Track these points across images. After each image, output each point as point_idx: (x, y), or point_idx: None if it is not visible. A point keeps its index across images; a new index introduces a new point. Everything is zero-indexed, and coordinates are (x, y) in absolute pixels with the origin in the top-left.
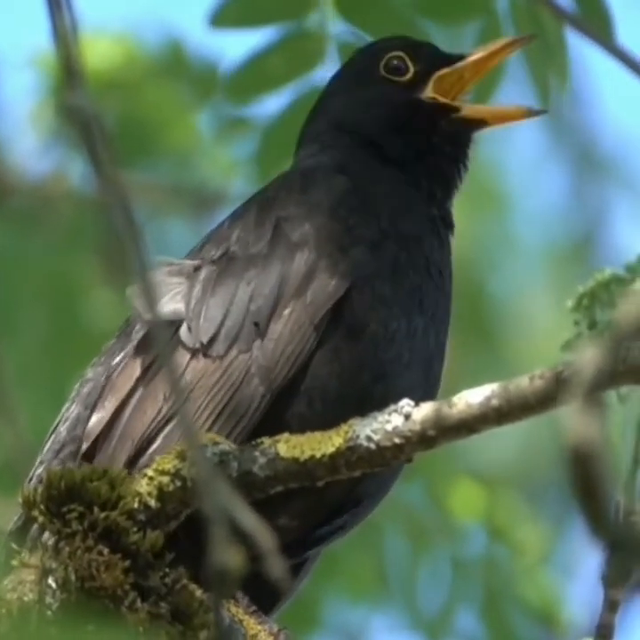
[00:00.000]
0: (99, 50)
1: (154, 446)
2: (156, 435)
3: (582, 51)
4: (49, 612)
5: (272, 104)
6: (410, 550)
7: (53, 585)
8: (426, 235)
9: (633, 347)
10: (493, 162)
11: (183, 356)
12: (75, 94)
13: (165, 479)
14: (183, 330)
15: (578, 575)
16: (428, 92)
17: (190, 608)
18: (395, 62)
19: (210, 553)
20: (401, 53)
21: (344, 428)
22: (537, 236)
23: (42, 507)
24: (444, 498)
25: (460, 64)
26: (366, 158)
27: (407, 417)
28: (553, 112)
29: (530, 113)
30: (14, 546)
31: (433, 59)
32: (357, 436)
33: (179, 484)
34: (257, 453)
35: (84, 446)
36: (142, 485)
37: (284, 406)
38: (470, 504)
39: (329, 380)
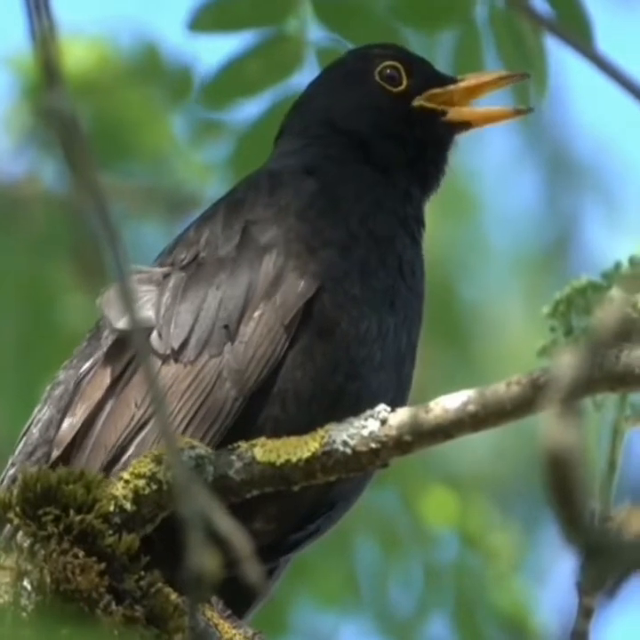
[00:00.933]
0: (73, 52)
1: (127, 454)
2: (130, 443)
3: (557, 55)
4: (24, 614)
5: (248, 108)
6: (381, 556)
7: (28, 587)
8: (398, 234)
9: (609, 354)
10: (466, 165)
11: (154, 363)
12: (54, 95)
13: (141, 482)
14: (154, 337)
15: (549, 582)
16: (417, 102)
17: (165, 611)
18: (389, 71)
19: (186, 556)
20: (397, 64)
21: (320, 432)
22: (509, 240)
23: (17, 509)
24: (415, 504)
25: (451, 87)
26: (347, 157)
27: (383, 422)
28: (529, 117)
29: (515, 113)
30: None
31: (427, 76)
32: (334, 441)
33: (154, 487)
34: (233, 457)
35: (56, 453)
36: (118, 488)
37: (257, 409)
38: (442, 510)
39: (302, 381)
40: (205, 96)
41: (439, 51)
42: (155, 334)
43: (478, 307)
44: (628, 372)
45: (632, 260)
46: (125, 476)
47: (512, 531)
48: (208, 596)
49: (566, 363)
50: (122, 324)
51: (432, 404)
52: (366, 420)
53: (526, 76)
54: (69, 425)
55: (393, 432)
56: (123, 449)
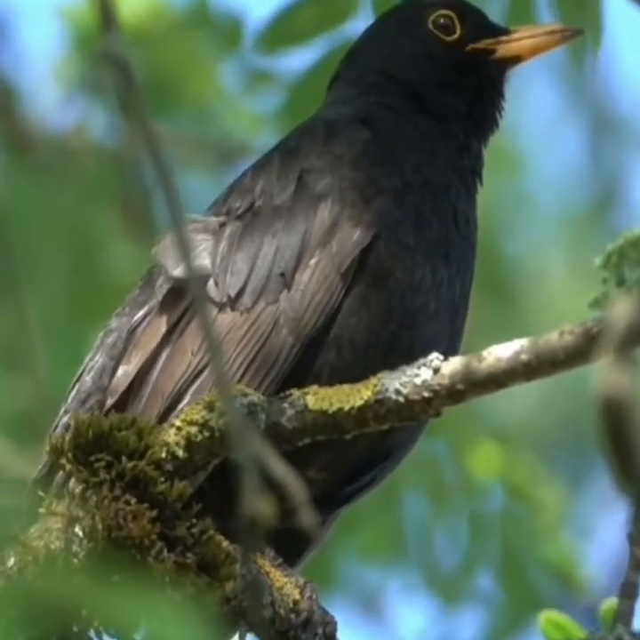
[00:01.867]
0: (124, 2)
1: (184, 402)
2: (186, 390)
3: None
4: (75, 561)
5: (300, 58)
6: (428, 508)
7: (80, 533)
8: (453, 184)
9: None
10: (509, 122)
11: (211, 311)
12: (109, 41)
13: (193, 429)
14: (210, 285)
15: (595, 535)
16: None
17: (217, 559)
18: (443, 21)
19: (240, 503)
20: (451, 13)
21: (373, 380)
22: (553, 196)
23: (69, 455)
24: (463, 456)
25: (504, 38)
26: (402, 106)
27: (436, 371)
28: (574, 71)
29: (563, 38)
30: (40, 493)
31: (480, 26)
32: (386, 390)
33: (207, 434)
34: (285, 405)
35: (110, 400)
36: (170, 435)
37: (313, 356)
38: (490, 463)
39: (357, 328)
40: (258, 44)
41: (493, 1)
42: (211, 283)
43: (523, 261)
44: None
45: None
46: (177, 422)
47: (557, 484)
48: (261, 544)
49: (620, 311)
50: (178, 272)
51: (485, 353)
52: (419, 368)
53: (581, 32)
54: (124, 373)
55: (445, 381)
56: (179, 397)
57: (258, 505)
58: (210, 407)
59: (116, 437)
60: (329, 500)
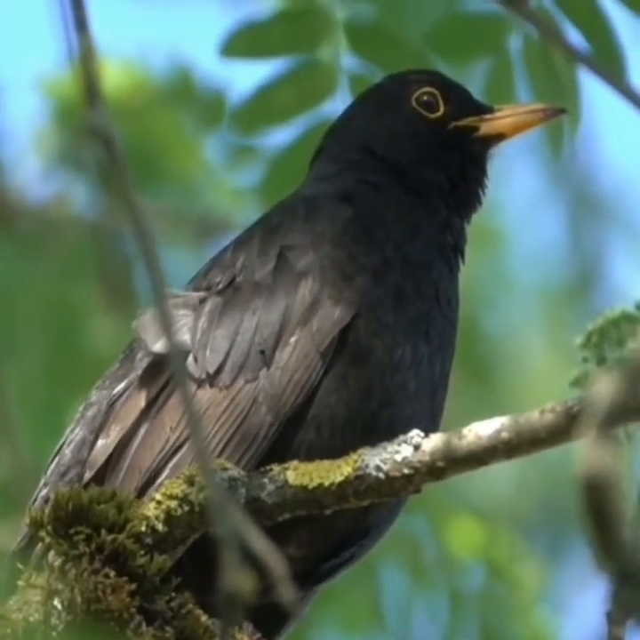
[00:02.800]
0: (106, 75)
1: (162, 477)
2: (164, 466)
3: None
4: (54, 634)
5: (280, 135)
6: (407, 583)
7: (59, 606)
8: (435, 261)
9: None
10: (491, 200)
11: (190, 387)
12: (93, 114)
13: (173, 503)
14: (190, 361)
15: (571, 613)
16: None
17: (196, 633)
18: (426, 98)
19: (220, 577)
20: (434, 90)
21: (353, 457)
22: (534, 274)
23: (49, 528)
24: (442, 532)
25: (487, 116)
26: (384, 183)
27: (417, 447)
28: (556, 152)
29: (546, 116)
30: (19, 565)
31: (463, 103)
32: (366, 466)
33: (187, 508)
34: (265, 480)
35: (89, 474)
36: (150, 509)
37: (291, 434)
38: (469, 539)
39: (336, 406)
40: (237, 122)
41: (471, 80)
42: (191, 359)
43: (502, 340)
44: None
45: None
46: (158, 496)
47: (536, 561)
48: (240, 618)
49: (602, 390)
50: (158, 347)
51: (465, 430)
52: (400, 445)
53: (563, 110)
54: (103, 446)
55: (426, 458)
56: (157, 472)
57: (237, 580)
58: (190, 481)
59: (95, 511)
60: (308, 576)
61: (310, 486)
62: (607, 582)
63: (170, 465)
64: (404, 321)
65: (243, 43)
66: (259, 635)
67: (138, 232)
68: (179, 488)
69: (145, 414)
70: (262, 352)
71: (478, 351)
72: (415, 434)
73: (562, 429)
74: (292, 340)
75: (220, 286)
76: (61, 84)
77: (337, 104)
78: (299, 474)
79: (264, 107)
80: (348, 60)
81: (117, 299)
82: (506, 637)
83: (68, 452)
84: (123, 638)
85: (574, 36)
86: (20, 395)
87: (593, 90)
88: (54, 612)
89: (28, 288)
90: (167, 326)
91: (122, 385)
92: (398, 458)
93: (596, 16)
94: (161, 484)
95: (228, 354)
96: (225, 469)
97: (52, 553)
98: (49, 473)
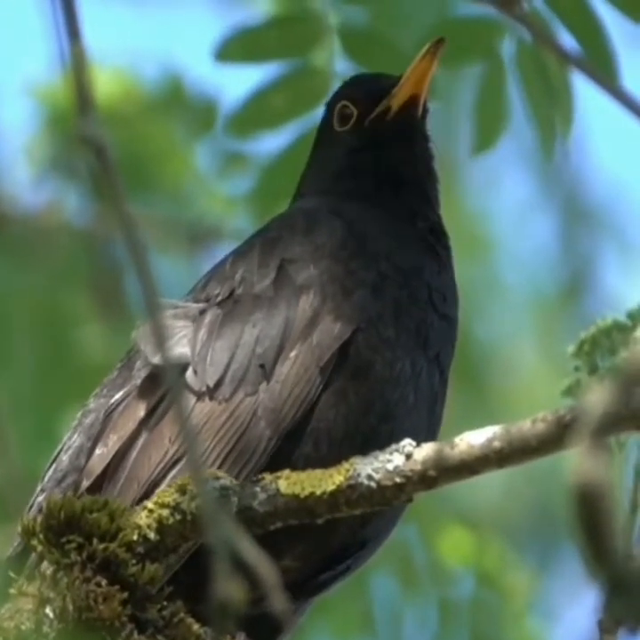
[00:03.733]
0: (98, 82)
1: (160, 489)
2: (163, 478)
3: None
4: None
5: (273, 141)
6: (398, 592)
7: (51, 614)
8: (425, 263)
9: (636, 392)
10: (481, 207)
11: (189, 400)
12: (85, 122)
13: (165, 512)
14: (189, 373)
15: (562, 622)
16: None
17: None
18: (342, 112)
19: (211, 586)
20: (346, 101)
21: (345, 465)
22: (524, 282)
23: (41, 536)
24: (433, 541)
25: (394, 91)
26: (352, 202)
27: (408, 456)
28: (547, 159)
29: (436, 52)
30: (11, 574)
31: (372, 94)
32: (358, 475)
33: (178, 517)
34: (257, 489)
35: (86, 482)
36: (142, 518)
37: (290, 448)
38: (459, 548)
39: (335, 421)
40: (230, 127)
41: (464, 85)
42: (190, 371)
43: (493, 347)
44: None
45: None
46: (149, 505)
47: (526, 569)
48: (232, 628)
49: (594, 399)
50: (158, 359)
51: (457, 439)
52: (391, 454)
53: (442, 39)
54: (100, 455)
55: (418, 467)
56: (156, 484)
57: (229, 589)
58: (182, 490)
59: (87, 519)
60: (303, 588)
61: (302, 495)
62: (598, 591)
63: (168, 477)
64: (404, 334)
65: (237, 48)
66: None
67: (129, 240)
68: (171, 497)
69: (143, 425)
70: (262, 366)
71: (469, 358)
72: (407, 443)
73: (554, 439)
74: (293, 354)
75: (220, 298)
76: (53, 92)
77: None
78: (290, 483)
79: (257, 112)
80: (341, 65)
81: (109, 307)
82: None
83: (65, 458)
84: None
85: (567, 40)
86: (11, 402)
87: (585, 95)
88: (46, 621)
89: (19, 296)
90: (160, 335)
91: (120, 394)
92: (390, 467)
93: (589, 19)
94: None
95: (227, 367)
96: (217, 478)
97: (43, 561)
98: (46, 479)
